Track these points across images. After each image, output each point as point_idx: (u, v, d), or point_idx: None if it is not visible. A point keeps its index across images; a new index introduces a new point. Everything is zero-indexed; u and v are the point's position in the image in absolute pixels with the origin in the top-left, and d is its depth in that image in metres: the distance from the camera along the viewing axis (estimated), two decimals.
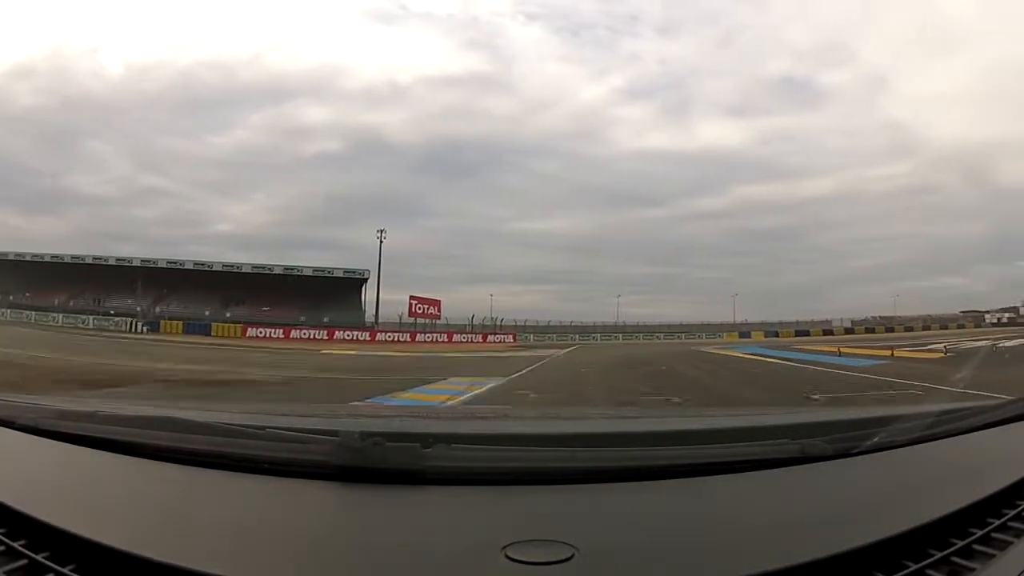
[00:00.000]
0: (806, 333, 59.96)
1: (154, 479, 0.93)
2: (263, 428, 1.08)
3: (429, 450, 0.91)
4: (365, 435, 0.91)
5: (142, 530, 0.76)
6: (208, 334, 40.26)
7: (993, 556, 0.75)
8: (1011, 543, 0.78)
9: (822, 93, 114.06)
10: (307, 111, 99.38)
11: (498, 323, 56.80)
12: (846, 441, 1.06)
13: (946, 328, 57.83)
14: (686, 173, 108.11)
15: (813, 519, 0.84)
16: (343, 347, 30.92)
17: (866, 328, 61.51)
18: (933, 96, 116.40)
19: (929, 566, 0.72)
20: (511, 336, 52.70)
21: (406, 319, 49.73)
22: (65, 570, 0.69)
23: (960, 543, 0.77)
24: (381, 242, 50.79)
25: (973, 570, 0.72)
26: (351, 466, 0.88)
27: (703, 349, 29.89)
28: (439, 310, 53.12)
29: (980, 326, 58.46)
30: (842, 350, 21.32)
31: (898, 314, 67.75)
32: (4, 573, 0.69)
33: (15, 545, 0.73)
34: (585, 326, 63.53)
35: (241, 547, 0.74)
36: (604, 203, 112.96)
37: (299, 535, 0.76)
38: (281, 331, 43.04)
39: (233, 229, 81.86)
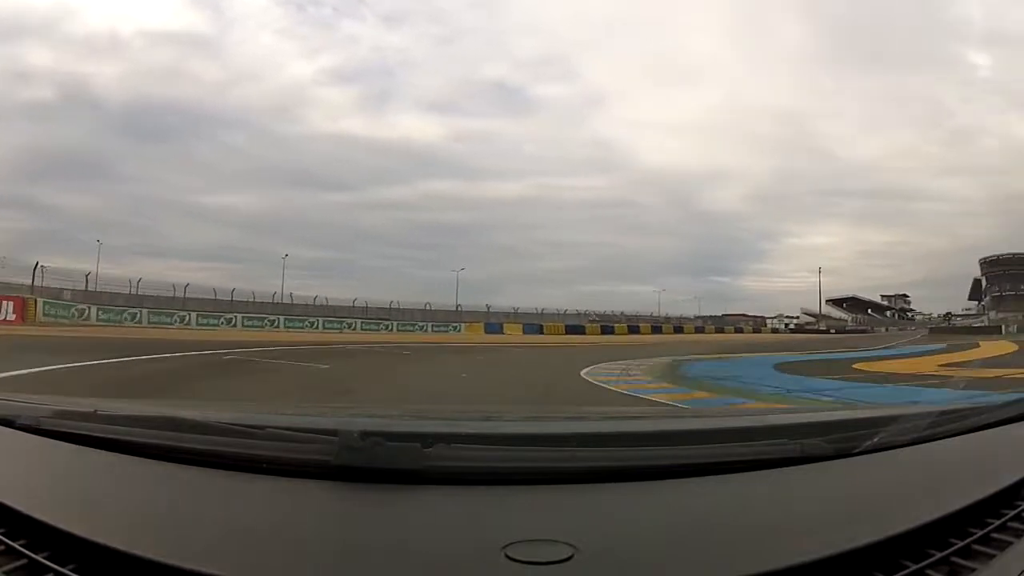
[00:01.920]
0: (580, 330, 53.77)
1: (154, 479, 0.93)
2: (263, 427, 1.06)
3: (429, 450, 0.91)
4: (365, 434, 0.91)
5: (142, 530, 0.76)
6: None
7: (993, 556, 0.75)
8: (1011, 543, 0.78)
9: (533, 102, 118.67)
10: (31, 53, 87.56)
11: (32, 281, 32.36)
12: (846, 441, 1.06)
13: (745, 331, 61.94)
14: (377, 161, 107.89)
15: (813, 519, 0.84)
16: None
17: (661, 328, 61.55)
18: (651, 123, 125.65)
19: (929, 566, 0.72)
20: (14, 307, 27.13)
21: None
22: (65, 570, 0.68)
23: (960, 543, 0.76)
24: None
25: (973, 570, 0.72)
26: (351, 465, 0.88)
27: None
28: None
29: (761, 331, 63.67)
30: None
31: (632, 312, 69.33)
32: (4, 573, 0.69)
33: (15, 545, 0.73)
34: (243, 303, 45.63)
35: (241, 547, 0.74)
36: (289, 182, 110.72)
37: (299, 535, 0.76)
38: None
39: None
